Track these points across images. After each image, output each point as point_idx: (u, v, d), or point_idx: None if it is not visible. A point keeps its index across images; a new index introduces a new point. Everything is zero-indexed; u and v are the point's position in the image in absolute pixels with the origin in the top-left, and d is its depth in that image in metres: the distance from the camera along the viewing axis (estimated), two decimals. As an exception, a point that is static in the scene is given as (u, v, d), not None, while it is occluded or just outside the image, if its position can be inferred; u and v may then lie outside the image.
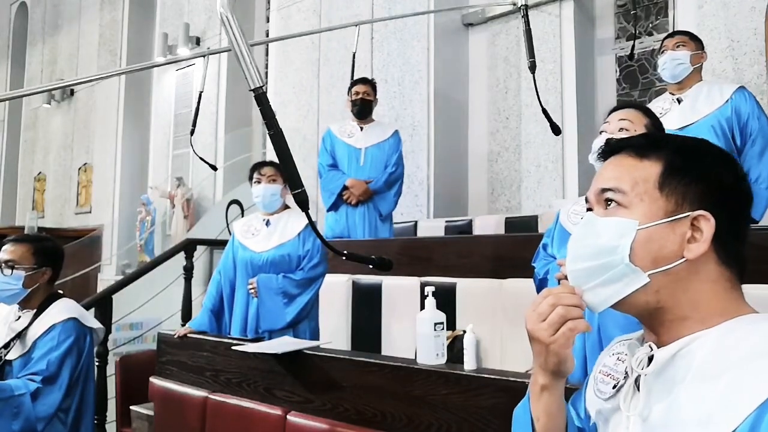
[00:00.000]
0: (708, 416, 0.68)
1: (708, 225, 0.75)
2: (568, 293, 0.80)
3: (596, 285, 0.78)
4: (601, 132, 1.74)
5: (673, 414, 0.72)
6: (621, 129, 1.67)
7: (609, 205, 0.80)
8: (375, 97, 3.86)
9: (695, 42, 2.83)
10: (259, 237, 2.80)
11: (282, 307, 2.67)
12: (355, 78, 3.93)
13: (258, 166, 2.84)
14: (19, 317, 2.18)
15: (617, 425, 0.80)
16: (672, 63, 2.77)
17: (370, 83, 3.84)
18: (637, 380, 0.78)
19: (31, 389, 1.98)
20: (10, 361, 2.10)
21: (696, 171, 0.78)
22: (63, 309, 2.16)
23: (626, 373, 0.81)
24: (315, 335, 2.80)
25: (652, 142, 0.82)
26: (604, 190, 0.81)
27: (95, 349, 3.29)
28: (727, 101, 2.67)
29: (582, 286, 0.80)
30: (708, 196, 0.77)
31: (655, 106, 2.87)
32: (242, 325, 2.74)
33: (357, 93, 3.76)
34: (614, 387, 0.82)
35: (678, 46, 2.79)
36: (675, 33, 2.95)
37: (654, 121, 1.73)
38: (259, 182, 2.79)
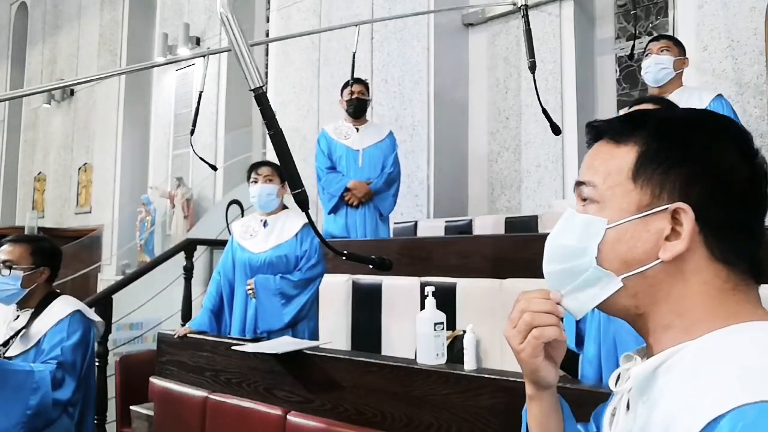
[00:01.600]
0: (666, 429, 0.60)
1: (687, 219, 0.64)
2: (540, 298, 0.74)
3: (572, 289, 0.71)
4: None
5: (646, 429, 0.64)
6: None
7: (586, 199, 0.71)
8: (368, 96, 3.89)
9: (679, 47, 2.91)
10: (257, 238, 2.80)
11: (280, 307, 2.68)
12: (348, 79, 3.93)
13: (255, 166, 2.85)
14: (18, 316, 2.20)
15: None
16: (656, 67, 2.83)
17: (363, 83, 3.87)
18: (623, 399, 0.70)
19: (52, 369, 2.01)
20: (10, 359, 2.11)
21: (677, 153, 0.66)
22: (66, 304, 2.20)
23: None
24: (314, 335, 2.80)
25: (630, 123, 0.71)
26: (579, 184, 0.72)
27: (95, 347, 3.32)
28: (705, 108, 2.71)
29: (560, 290, 0.73)
30: (694, 182, 0.65)
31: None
32: (241, 325, 2.75)
33: (352, 93, 3.77)
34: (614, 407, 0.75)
35: (662, 51, 2.84)
36: (660, 37, 3.02)
37: None
38: (255, 182, 2.80)
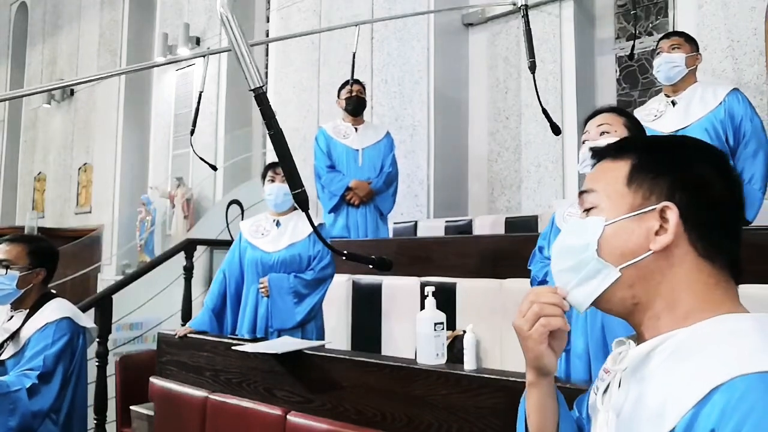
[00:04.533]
0: (661, 408, 0.68)
1: (673, 214, 0.75)
2: (548, 291, 0.84)
3: (576, 284, 0.81)
4: (583, 141, 1.75)
5: (638, 408, 0.73)
6: (602, 133, 1.68)
7: (589, 207, 0.83)
8: (365, 95, 3.92)
9: (690, 44, 2.82)
10: (270, 237, 2.81)
11: (292, 306, 2.70)
12: (347, 79, 3.94)
13: (273, 165, 2.85)
14: (12, 317, 2.16)
15: (601, 421, 0.81)
16: (667, 66, 2.77)
17: (361, 83, 3.90)
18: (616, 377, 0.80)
19: (27, 385, 1.96)
20: (3, 362, 2.08)
21: (664, 164, 0.79)
22: (57, 308, 2.15)
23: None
24: (321, 334, 2.82)
25: (626, 143, 0.86)
26: (581, 193, 0.85)
27: (95, 349, 3.31)
28: (720, 103, 2.67)
29: (566, 287, 0.83)
30: (677, 187, 0.76)
31: (650, 107, 2.88)
32: (252, 324, 2.75)
33: (351, 92, 3.79)
34: (607, 384, 0.84)
35: (673, 48, 2.79)
36: (670, 34, 2.95)
37: (630, 119, 1.73)
38: (273, 181, 2.81)
